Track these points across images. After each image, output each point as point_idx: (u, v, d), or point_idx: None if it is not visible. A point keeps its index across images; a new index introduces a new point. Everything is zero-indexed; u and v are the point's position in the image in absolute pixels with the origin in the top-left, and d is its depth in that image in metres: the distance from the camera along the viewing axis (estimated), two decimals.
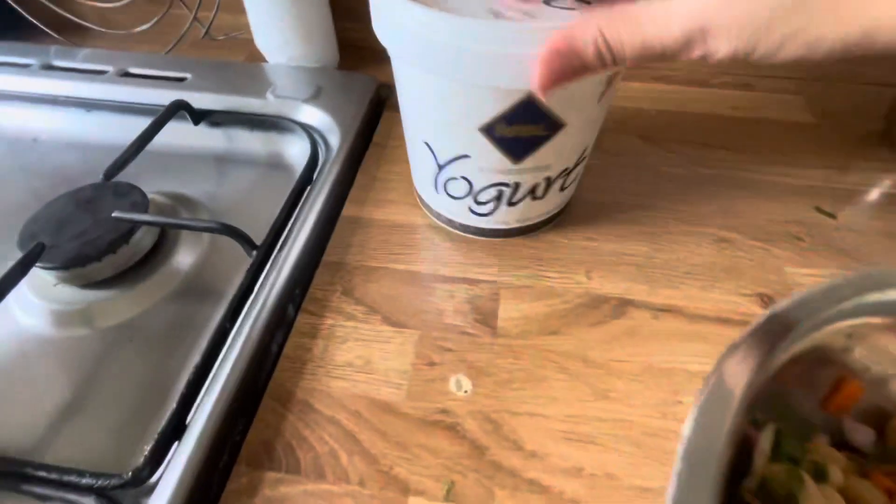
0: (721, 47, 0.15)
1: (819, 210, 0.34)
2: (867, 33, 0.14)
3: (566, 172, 0.27)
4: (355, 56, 0.48)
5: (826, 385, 0.20)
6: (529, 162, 0.25)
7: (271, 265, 0.30)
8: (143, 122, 0.41)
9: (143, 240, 0.31)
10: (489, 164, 0.25)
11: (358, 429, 0.24)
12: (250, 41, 0.46)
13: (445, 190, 0.28)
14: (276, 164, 0.41)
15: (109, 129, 0.42)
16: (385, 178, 0.36)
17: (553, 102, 0.22)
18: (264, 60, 0.46)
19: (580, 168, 0.29)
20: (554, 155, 0.25)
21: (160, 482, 0.22)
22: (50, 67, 0.44)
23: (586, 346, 0.27)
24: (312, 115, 0.40)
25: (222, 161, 0.41)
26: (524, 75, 0.19)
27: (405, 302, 0.29)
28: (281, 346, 0.27)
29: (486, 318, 0.28)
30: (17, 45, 0.46)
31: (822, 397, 0.20)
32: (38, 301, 0.30)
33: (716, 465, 0.13)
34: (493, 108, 0.23)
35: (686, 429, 0.14)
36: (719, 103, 0.43)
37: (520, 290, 0.29)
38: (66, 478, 0.21)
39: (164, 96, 0.41)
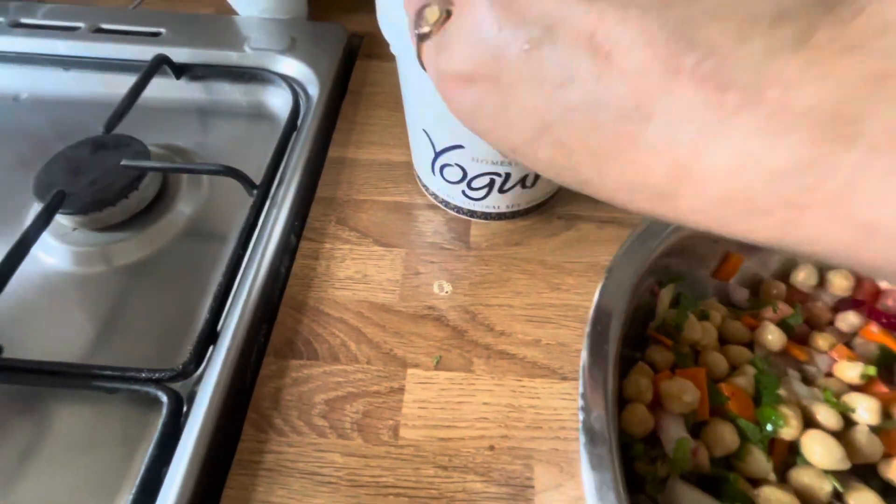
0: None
1: None
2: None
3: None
4: (324, 5, 0.49)
5: (715, 259, 0.26)
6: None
7: (271, 202, 0.34)
8: (123, 78, 0.43)
9: (150, 186, 0.35)
10: (482, 154, 0.28)
11: (362, 324, 0.29)
12: None
13: (441, 174, 0.31)
14: (258, 113, 0.44)
15: (89, 85, 0.43)
16: (363, 122, 0.40)
17: None
18: (233, 12, 0.47)
19: None
20: None
21: (205, 374, 0.27)
22: (18, 25, 0.44)
23: (543, 252, 0.33)
24: (290, 67, 0.42)
25: (206, 113, 0.44)
26: None
27: (392, 227, 0.34)
28: (289, 268, 0.32)
29: (460, 236, 0.33)
30: None
31: (713, 269, 0.27)
32: (59, 244, 0.33)
33: (616, 318, 0.19)
34: None
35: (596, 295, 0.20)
36: None
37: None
38: (128, 374, 0.26)
39: (140, 52, 0.43)
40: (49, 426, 0.27)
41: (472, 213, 0.33)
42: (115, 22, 0.45)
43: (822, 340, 0.24)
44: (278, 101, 0.43)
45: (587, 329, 0.20)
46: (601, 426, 0.16)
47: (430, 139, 0.29)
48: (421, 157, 0.32)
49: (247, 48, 0.43)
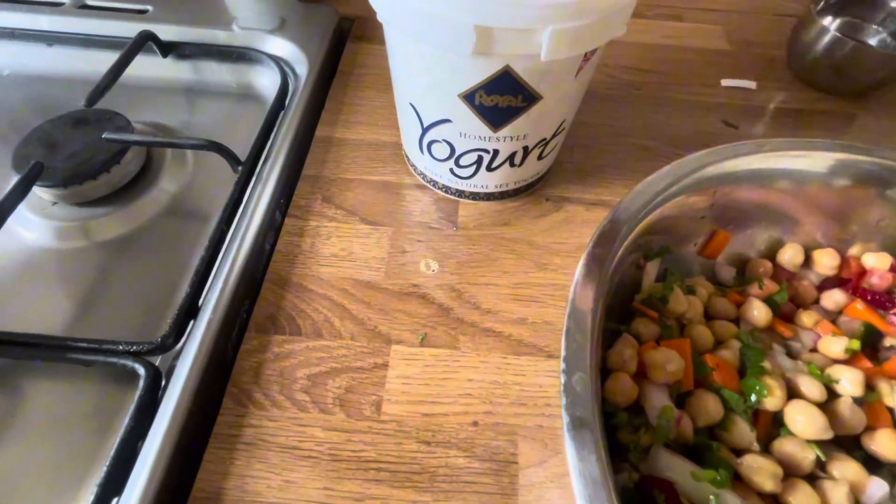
0: None
1: (725, 122, 0.40)
2: None
3: (544, 142, 0.29)
4: None
5: (703, 237, 0.26)
6: (507, 130, 0.27)
7: (256, 179, 0.33)
8: (107, 56, 0.42)
9: (133, 161, 0.34)
10: (469, 129, 0.27)
11: (346, 301, 0.29)
12: None
13: (430, 152, 0.30)
14: (246, 94, 0.43)
15: (73, 62, 0.43)
16: (352, 103, 0.40)
17: (529, 76, 0.24)
18: None
19: (559, 138, 0.30)
20: (531, 125, 0.27)
21: (184, 348, 0.26)
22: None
23: (531, 233, 0.32)
24: (279, 47, 0.42)
25: (193, 92, 0.43)
26: (503, 47, 0.21)
27: (379, 206, 0.33)
28: (273, 245, 0.31)
29: (448, 215, 0.33)
30: None
31: (700, 247, 0.27)
32: (38, 219, 0.33)
33: (600, 287, 0.19)
34: (474, 77, 0.24)
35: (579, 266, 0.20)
36: (653, 32, 0.48)
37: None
38: (105, 346, 0.26)
39: (127, 28, 0.42)
40: (23, 400, 0.26)
41: (460, 193, 0.33)
42: None
43: (807, 318, 0.24)
44: (266, 82, 0.42)
45: (570, 296, 0.20)
46: (583, 388, 0.16)
47: (417, 114, 0.29)
48: (409, 135, 0.32)
49: (235, 27, 0.42)
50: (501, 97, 0.25)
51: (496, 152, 0.29)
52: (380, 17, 0.25)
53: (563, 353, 0.17)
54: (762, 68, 0.45)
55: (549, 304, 0.29)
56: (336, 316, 0.28)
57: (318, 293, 0.29)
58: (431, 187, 0.34)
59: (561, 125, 0.29)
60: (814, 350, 0.23)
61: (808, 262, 0.26)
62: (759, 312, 0.23)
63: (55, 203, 0.33)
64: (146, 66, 0.41)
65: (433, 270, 0.30)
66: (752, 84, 0.43)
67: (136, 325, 0.30)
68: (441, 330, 0.28)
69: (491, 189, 0.32)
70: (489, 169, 0.30)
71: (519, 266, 0.31)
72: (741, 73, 0.44)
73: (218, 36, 0.42)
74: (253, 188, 0.33)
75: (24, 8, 0.42)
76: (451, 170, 0.31)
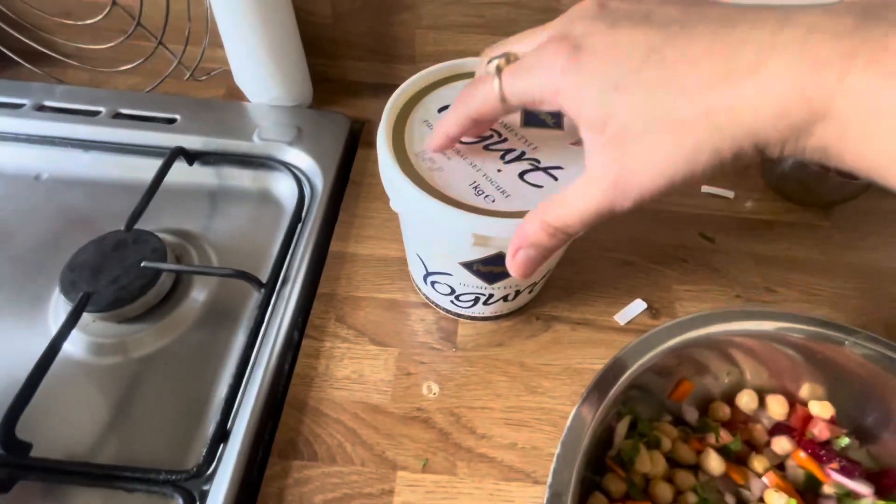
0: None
1: (702, 235, 0.44)
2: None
3: (533, 284, 0.34)
4: (327, 90, 0.53)
5: (672, 383, 0.30)
6: (500, 284, 0.31)
7: (277, 299, 0.37)
8: (139, 161, 0.46)
9: (166, 281, 0.38)
10: (467, 282, 0.31)
11: (357, 426, 0.33)
12: (229, 74, 0.50)
13: (433, 287, 0.34)
14: (264, 198, 0.47)
15: (107, 168, 0.47)
16: (363, 216, 0.43)
17: None
18: (243, 95, 0.51)
19: (546, 277, 0.35)
20: (524, 281, 0.32)
21: (216, 474, 0.30)
22: (42, 108, 0.47)
23: (523, 354, 0.36)
24: (296, 157, 0.46)
25: (214, 196, 0.47)
26: (498, 244, 0.25)
27: (386, 325, 0.37)
28: (292, 366, 0.35)
29: (448, 335, 0.37)
30: (4, 83, 0.49)
31: (669, 391, 0.30)
32: (79, 334, 0.36)
33: (578, 452, 0.23)
34: (472, 254, 0.28)
35: (565, 428, 0.24)
36: None
37: None
38: (148, 475, 0.29)
39: (157, 138, 0.46)
40: None
41: (460, 316, 0.37)
42: (133, 107, 0.48)
43: (758, 463, 0.28)
44: (283, 187, 0.46)
45: (552, 467, 0.23)
46: None
47: (422, 262, 0.33)
48: (415, 269, 0.36)
49: (256, 138, 0.46)
50: (496, 267, 0.29)
51: (491, 295, 0.33)
52: (393, 207, 0.28)
53: None
54: (738, 175, 0.49)
55: (537, 429, 0.33)
56: (348, 441, 0.32)
57: (332, 417, 0.33)
58: (434, 307, 0.38)
59: (547, 272, 0.34)
60: (761, 500, 0.27)
61: (762, 405, 0.30)
62: (714, 463, 0.27)
63: (94, 321, 0.37)
64: (173, 172, 0.45)
65: (434, 394, 0.34)
66: (730, 193, 0.47)
67: (168, 440, 0.33)
68: (441, 456, 0.32)
69: (487, 314, 0.36)
70: (485, 304, 0.34)
71: (511, 389, 0.35)
72: (717, 180, 0.48)
73: (240, 146, 0.46)
74: (274, 308, 0.37)
75: (65, 118, 0.46)
76: (452, 301, 0.35)
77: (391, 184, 0.27)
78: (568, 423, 0.24)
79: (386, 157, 0.27)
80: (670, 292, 0.40)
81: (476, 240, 0.25)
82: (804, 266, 0.43)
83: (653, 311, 0.39)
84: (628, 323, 0.38)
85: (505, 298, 0.34)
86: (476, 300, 0.34)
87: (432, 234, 0.29)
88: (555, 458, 0.23)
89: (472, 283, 0.31)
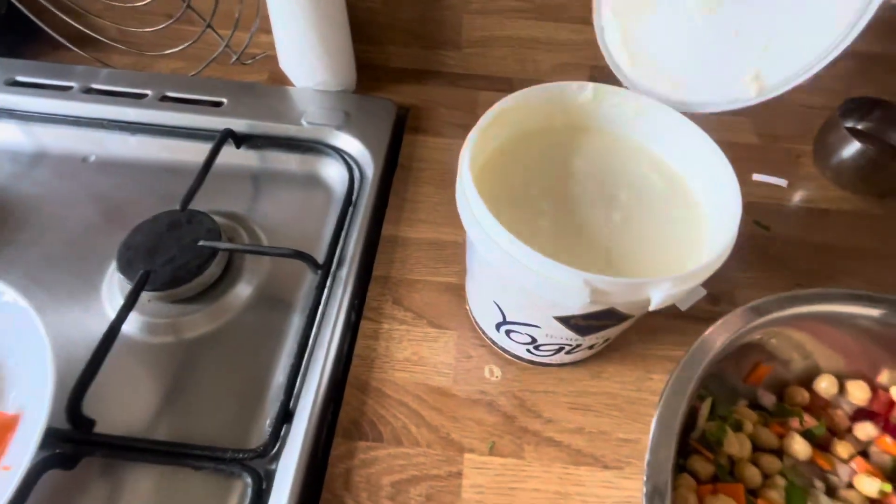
0: None
1: (757, 223, 0.43)
2: None
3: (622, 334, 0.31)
4: (371, 76, 0.53)
5: (747, 368, 0.29)
6: (593, 336, 0.28)
7: (333, 281, 0.37)
8: (185, 144, 0.46)
9: (220, 261, 0.38)
10: (556, 334, 0.28)
11: (420, 407, 0.32)
12: (272, 59, 0.50)
13: (507, 335, 0.31)
14: (311, 182, 0.46)
15: (154, 150, 0.46)
16: (413, 199, 0.43)
17: (631, 310, 0.25)
18: (287, 80, 0.50)
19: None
20: (617, 331, 0.29)
21: (282, 453, 0.30)
22: (89, 91, 0.47)
23: None
24: (345, 142, 0.45)
25: (262, 179, 0.47)
26: (614, 299, 0.22)
27: (444, 308, 0.37)
28: (351, 347, 0.35)
29: None
30: (51, 65, 0.49)
31: (744, 375, 0.30)
32: (135, 315, 0.36)
33: (675, 428, 0.22)
34: (574, 309, 0.24)
35: (659, 404, 0.23)
36: None
37: None
38: (215, 453, 0.29)
39: (204, 121, 0.46)
40: (124, 494, 0.29)
41: (529, 362, 0.33)
42: (179, 90, 0.48)
43: (842, 449, 0.27)
44: (331, 172, 0.46)
45: (650, 445, 0.22)
46: None
47: (500, 310, 0.29)
48: (485, 314, 0.31)
49: (304, 122, 0.46)
50: (597, 321, 0.26)
51: (579, 345, 0.29)
52: (470, 236, 0.25)
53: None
54: (789, 164, 0.48)
55: (604, 414, 0.32)
56: (412, 423, 0.31)
57: (395, 398, 0.32)
58: (500, 351, 0.34)
59: None
60: (850, 485, 0.26)
61: (841, 391, 0.29)
62: (799, 447, 0.26)
63: (150, 300, 0.36)
64: (220, 156, 0.44)
65: (497, 377, 0.34)
66: (782, 182, 0.46)
67: (226, 422, 0.33)
68: (507, 439, 0.31)
69: (564, 361, 0.33)
70: (567, 353, 0.31)
71: (574, 373, 0.34)
72: (770, 168, 0.48)
73: (288, 130, 0.46)
74: (331, 291, 0.36)
75: (113, 100, 0.46)
76: (528, 349, 0.31)
77: (483, 230, 0.23)
78: (661, 402, 0.23)
79: (478, 203, 0.23)
80: (729, 279, 0.39)
81: (593, 297, 0.22)
82: (863, 255, 0.42)
83: (713, 297, 0.38)
84: (689, 309, 0.37)
85: (591, 348, 0.31)
86: (559, 350, 0.30)
87: (531, 286, 0.23)
88: (651, 437, 0.22)
89: (561, 336, 0.28)
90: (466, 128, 0.26)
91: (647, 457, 0.21)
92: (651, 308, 0.23)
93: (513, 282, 0.24)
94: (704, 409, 0.27)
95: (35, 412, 0.26)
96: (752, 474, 0.25)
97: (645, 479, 0.21)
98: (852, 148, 0.44)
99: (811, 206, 0.45)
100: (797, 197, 0.46)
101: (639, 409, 0.33)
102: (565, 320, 0.26)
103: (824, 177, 0.47)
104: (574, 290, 0.21)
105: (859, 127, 0.49)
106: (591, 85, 0.29)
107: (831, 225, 0.44)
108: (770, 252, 0.42)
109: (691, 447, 0.26)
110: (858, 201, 0.46)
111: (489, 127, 0.27)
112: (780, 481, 0.25)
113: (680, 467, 0.26)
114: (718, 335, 0.25)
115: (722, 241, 0.24)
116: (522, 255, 0.22)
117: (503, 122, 0.28)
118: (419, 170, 0.45)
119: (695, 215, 0.28)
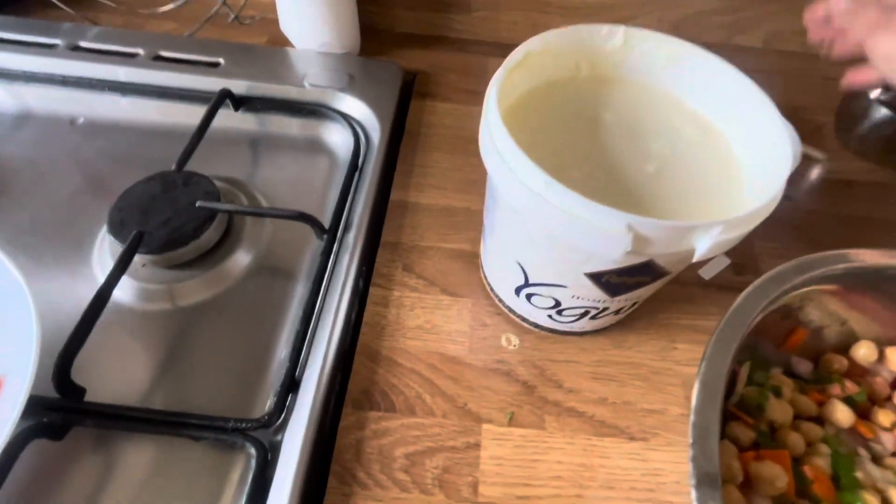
0: None
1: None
2: None
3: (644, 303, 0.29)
4: (375, 40, 0.50)
5: (782, 333, 0.28)
6: (624, 297, 0.26)
7: (340, 246, 0.35)
8: (180, 106, 0.44)
9: (219, 225, 0.35)
10: (584, 295, 0.26)
11: (434, 377, 0.30)
12: (271, 22, 0.48)
13: (528, 300, 0.29)
14: (313, 146, 0.44)
15: (146, 111, 0.44)
16: (422, 165, 0.41)
17: (670, 264, 0.23)
18: (287, 42, 0.48)
19: None
20: (649, 291, 0.27)
21: (288, 424, 0.28)
22: (77, 48, 0.44)
23: None
24: (350, 105, 0.43)
25: (261, 143, 0.44)
26: (656, 249, 0.20)
27: (456, 275, 0.35)
28: (360, 315, 0.33)
29: None
30: (35, 22, 0.46)
31: (779, 342, 0.28)
32: (128, 280, 0.34)
33: (720, 389, 0.21)
34: (609, 264, 0.22)
35: (700, 369, 0.21)
36: None
37: None
38: (216, 423, 0.27)
39: (200, 82, 0.43)
40: (118, 467, 0.27)
41: (550, 330, 0.32)
42: (173, 49, 0.45)
43: (884, 417, 0.26)
44: (335, 136, 0.44)
45: (693, 406, 0.21)
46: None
47: (524, 271, 0.27)
48: (504, 278, 0.30)
49: (306, 84, 0.43)
50: (631, 278, 0.24)
51: (605, 308, 0.28)
52: (492, 179, 0.23)
53: (692, 480, 0.18)
54: (811, 135, 0.47)
55: (627, 384, 0.31)
56: (427, 392, 0.30)
57: (407, 367, 0.30)
58: (518, 320, 0.32)
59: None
60: (894, 454, 0.24)
61: (881, 358, 0.28)
62: (842, 415, 0.25)
63: (144, 265, 0.34)
64: (219, 118, 0.42)
65: (514, 346, 0.32)
66: (820, 154, 0.44)
67: (227, 391, 0.31)
68: (527, 409, 0.29)
69: (586, 329, 0.31)
70: (592, 318, 0.29)
71: (596, 342, 0.32)
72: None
73: (289, 91, 0.43)
74: (337, 256, 0.34)
75: (102, 59, 0.43)
76: (549, 315, 0.29)
77: (512, 172, 0.21)
78: (703, 362, 0.21)
79: (508, 142, 0.21)
80: (753, 248, 0.38)
81: (635, 244, 0.19)
82: (889, 226, 0.40)
83: (737, 266, 0.37)
84: (712, 278, 0.36)
85: (617, 313, 0.29)
86: (583, 315, 0.28)
87: (565, 234, 0.21)
88: (694, 398, 0.20)
89: (589, 297, 0.26)
90: (477, 94, 0.24)
91: (691, 418, 0.20)
92: (695, 258, 0.21)
93: (543, 231, 0.22)
94: (743, 372, 0.25)
95: (19, 378, 0.24)
96: (796, 441, 0.23)
97: (691, 441, 0.19)
98: (876, 118, 0.43)
99: (836, 178, 0.44)
100: (820, 168, 0.44)
101: (663, 378, 0.31)
102: (597, 277, 0.24)
103: (847, 147, 0.46)
104: (615, 237, 0.19)
105: (883, 98, 0.48)
106: (621, 29, 0.27)
107: (856, 196, 0.42)
108: (794, 222, 0.40)
109: (730, 413, 0.24)
110: (882, 173, 0.44)
111: (514, 69, 0.25)
112: (824, 449, 0.23)
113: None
114: (764, 290, 0.24)
115: (771, 188, 0.22)
116: (559, 196, 0.20)
117: (527, 68, 0.26)
118: (428, 136, 0.43)
119: (732, 167, 0.26)
